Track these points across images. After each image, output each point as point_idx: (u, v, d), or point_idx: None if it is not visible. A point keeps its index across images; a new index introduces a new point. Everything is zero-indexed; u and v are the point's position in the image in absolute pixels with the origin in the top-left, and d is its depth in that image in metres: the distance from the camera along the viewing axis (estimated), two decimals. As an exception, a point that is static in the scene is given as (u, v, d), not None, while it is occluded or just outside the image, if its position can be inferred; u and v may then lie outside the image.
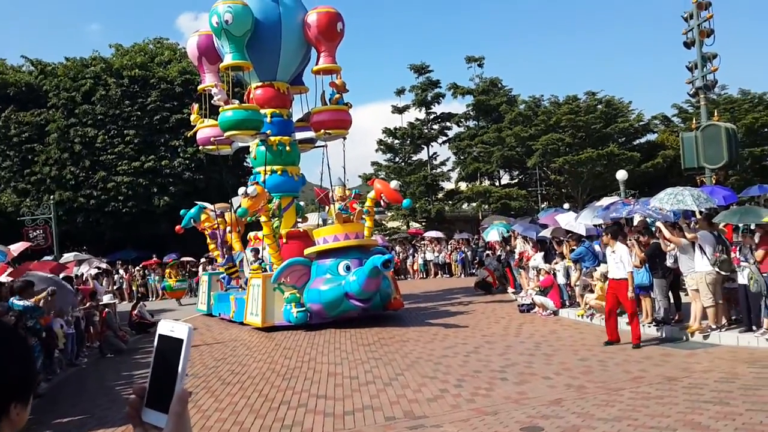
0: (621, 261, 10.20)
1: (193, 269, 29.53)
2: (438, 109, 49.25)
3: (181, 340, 1.09)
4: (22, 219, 29.17)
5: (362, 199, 17.32)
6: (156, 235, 34.50)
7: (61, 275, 13.78)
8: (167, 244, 33.72)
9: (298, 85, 19.39)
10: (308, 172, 19.25)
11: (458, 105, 69.50)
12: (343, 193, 16.22)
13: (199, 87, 19.55)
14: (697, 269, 10.20)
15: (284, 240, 16.54)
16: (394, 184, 16.42)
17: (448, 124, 49.73)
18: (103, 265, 23.40)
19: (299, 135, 18.39)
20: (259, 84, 17.78)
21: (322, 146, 18.76)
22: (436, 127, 49.42)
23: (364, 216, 16.29)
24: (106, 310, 14.43)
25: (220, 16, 15.85)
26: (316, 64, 17.60)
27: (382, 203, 16.66)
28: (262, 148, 17.22)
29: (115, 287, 26.56)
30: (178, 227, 19.93)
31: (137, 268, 29.38)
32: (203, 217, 19.40)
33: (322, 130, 17.81)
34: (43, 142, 33.90)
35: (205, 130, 18.56)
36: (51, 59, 41.55)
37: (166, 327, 1.12)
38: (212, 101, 17.01)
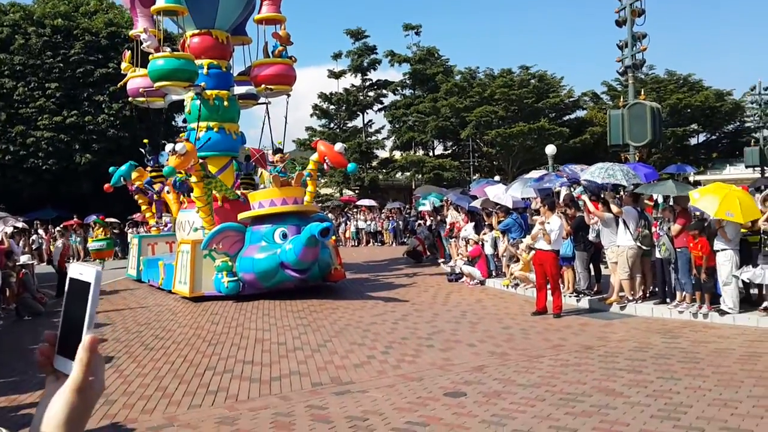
0: (551, 233, 10.45)
1: (120, 230, 28.68)
2: (374, 75, 48.96)
3: (89, 284, 1.03)
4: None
5: (302, 162, 16.70)
6: (77, 194, 33.18)
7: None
8: (89, 204, 32.47)
9: (241, 35, 18.09)
10: (246, 132, 17.84)
11: (395, 73, 69.22)
12: (282, 157, 15.43)
13: (130, 32, 18.29)
14: (620, 243, 10.61)
15: (219, 203, 15.25)
16: (338, 146, 15.23)
17: (384, 91, 49.50)
18: (20, 224, 22.31)
19: (239, 90, 17.01)
20: (196, 32, 16.38)
21: (265, 103, 17.66)
22: (371, 94, 49.11)
23: (307, 180, 15.37)
24: (23, 270, 13.83)
25: None
26: (259, 12, 16.53)
27: (325, 166, 15.36)
28: (198, 102, 15.81)
29: (33, 248, 25.48)
30: (107, 185, 18.76)
31: (57, 228, 28.18)
32: (134, 175, 18.33)
33: (263, 85, 16.29)
34: (-45, 92, 31.88)
35: (136, 80, 17.27)
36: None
37: (75, 270, 1.06)
38: (142, 48, 15.92)
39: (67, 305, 1.07)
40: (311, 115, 48.51)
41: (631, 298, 10.68)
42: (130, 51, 18.09)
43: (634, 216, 10.68)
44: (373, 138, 48.50)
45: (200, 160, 14.41)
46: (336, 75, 48.41)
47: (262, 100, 17.69)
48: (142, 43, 15.92)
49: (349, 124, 48.93)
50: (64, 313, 1.07)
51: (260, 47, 16.99)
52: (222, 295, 13.57)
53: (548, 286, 10.66)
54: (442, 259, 19.18)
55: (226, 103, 16.20)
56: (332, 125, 48.71)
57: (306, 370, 7.64)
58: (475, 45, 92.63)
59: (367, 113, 49.08)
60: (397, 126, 47.93)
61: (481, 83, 43.42)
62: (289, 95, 17.24)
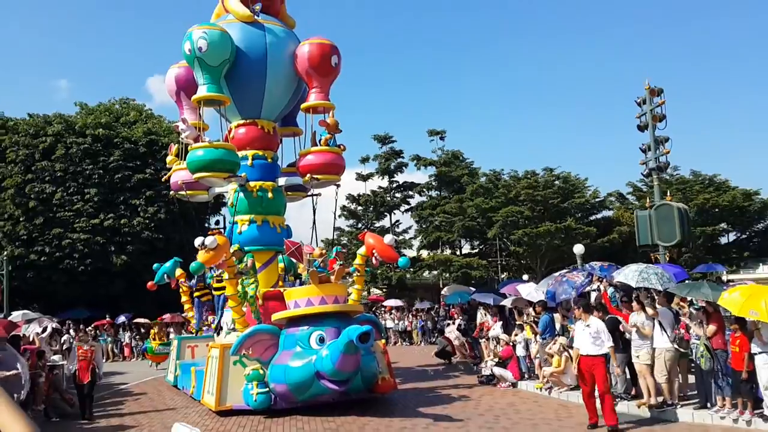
0: (598, 335, 9.62)
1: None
2: (401, 177, 50.14)
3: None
4: (-29, 275, 28.23)
5: (347, 255, 15.23)
6: (110, 294, 33.65)
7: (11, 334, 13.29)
8: (121, 304, 32.89)
9: (291, 126, 17.30)
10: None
11: (421, 175, 71.21)
12: (321, 252, 13.90)
13: (173, 124, 18.30)
14: (656, 345, 10.43)
15: (260, 301, 13.88)
16: (388, 238, 13.73)
17: (410, 192, 50.49)
18: (54, 325, 22.62)
19: (283, 181, 15.99)
20: (241, 122, 15.74)
21: (315, 195, 16.55)
22: (398, 195, 50.10)
23: (352, 275, 13.90)
24: (55, 371, 13.91)
25: (193, 43, 13.93)
26: (306, 100, 15.49)
27: (373, 261, 13.81)
28: (241, 194, 15.12)
29: (64, 347, 25.63)
30: (150, 283, 17.52)
31: (89, 328, 28.43)
32: (178, 272, 17.42)
33: (308, 175, 15.10)
34: (-1, 197, 33.22)
35: (180, 173, 16.47)
36: (15, 114, 41.21)
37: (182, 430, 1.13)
38: (180, 139, 15.23)
39: None
40: (339, 216, 49.36)
41: (670, 402, 10.37)
42: (177, 144, 17.43)
43: (670, 318, 10.57)
44: (401, 238, 48.93)
45: (241, 254, 13.49)
46: (364, 177, 49.65)
47: (314, 191, 16.71)
48: (180, 134, 15.34)
49: (377, 224, 49.58)
50: None
51: (309, 137, 16.04)
52: (251, 410, 11.72)
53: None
54: (472, 360, 18.85)
55: (270, 194, 15.41)
56: (360, 225, 49.42)
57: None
58: (499, 147, 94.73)
59: (394, 214, 49.89)
60: (423, 226, 48.45)
61: (506, 184, 44.04)
62: (338, 185, 16.33)
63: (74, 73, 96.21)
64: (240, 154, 14.99)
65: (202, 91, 14.19)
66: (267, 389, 11.68)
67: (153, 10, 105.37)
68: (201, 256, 12.37)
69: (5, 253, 29.02)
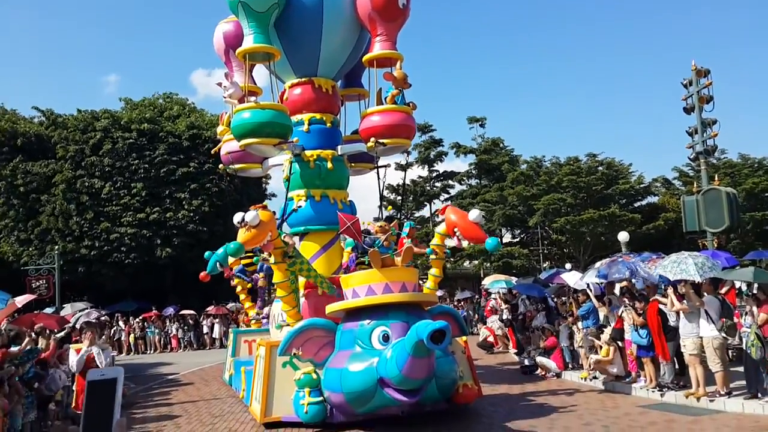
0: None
1: (196, 321, 29.39)
2: (441, 167, 49.96)
3: (114, 379, 1.15)
4: (25, 268, 29.23)
5: (420, 233, 12.89)
6: (157, 286, 34.48)
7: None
8: (167, 296, 33.72)
9: (355, 87, 15.00)
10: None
11: (460, 163, 71.03)
12: (384, 227, 11.46)
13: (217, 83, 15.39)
14: (703, 334, 10.20)
15: (319, 290, 11.97)
16: (475, 214, 11.27)
17: (450, 182, 50.30)
18: (103, 317, 23.30)
19: (344, 149, 13.76)
20: (296, 81, 13.60)
21: (384, 166, 14.47)
22: (438, 184, 49.97)
23: (429, 258, 12.03)
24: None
25: None
26: (370, 51, 13.00)
27: (455, 241, 11.67)
28: (296, 165, 13.09)
29: (114, 339, 26.43)
30: (202, 274, 14.69)
31: (137, 320, 29.23)
32: (231, 260, 14.86)
33: (373, 139, 12.69)
34: (50, 193, 34.24)
35: (230, 143, 14.40)
36: (66, 109, 42.42)
37: (95, 374, 1.18)
38: (224, 99, 13.10)
39: (89, 409, 1.17)
40: (379, 207, 49.39)
41: (723, 391, 10.14)
42: (227, 114, 15.14)
43: (717, 306, 10.31)
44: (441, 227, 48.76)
45: (287, 236, 11.75)
46: (403, 167, 49.60)
47: (382, 161, 14.46)
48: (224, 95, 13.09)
49: (417, 214, 49.54)
50: (87, 417, 1.17)
51: (374, 96, 13.46)
52: (303, 423, 9.66)
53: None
54: (515, 350, 18.74)
55: (330, 165, 13.17)
56: (400, 216, 49.39)
57: None
58: (540, 134, 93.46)
59: (434, 203, 49.77)
60: (464, 215, 48.17)
61: (548, 171, 43.49)
62: (408, 152, 14.24)
63: (122, 68, 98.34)
64: (295, 118, 13.13)
65: (248, 43, 12.08)
66: (321, 398, 9.52)
67: (198, 3, 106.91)
68: (241, 235, 10.29)
69: (57, 248, 29.93)
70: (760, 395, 9.80)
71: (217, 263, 11.70)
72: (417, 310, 9.75)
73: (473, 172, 50.02)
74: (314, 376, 9.59)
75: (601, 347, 12.67)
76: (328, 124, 13.61)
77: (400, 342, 8.42)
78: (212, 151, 16.98)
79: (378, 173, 14.62)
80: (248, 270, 16.71)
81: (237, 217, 10.46)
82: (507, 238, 49.58)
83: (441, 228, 11.94)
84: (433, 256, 11.88)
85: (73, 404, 11.73)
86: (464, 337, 11.29)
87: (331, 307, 10.16)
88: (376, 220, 12.01)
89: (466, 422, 10.04)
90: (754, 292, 11.29)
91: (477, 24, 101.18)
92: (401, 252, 10.16)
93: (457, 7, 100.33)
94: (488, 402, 11.44)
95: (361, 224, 11.49)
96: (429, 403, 9.57)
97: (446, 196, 49.95)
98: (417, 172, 49.40)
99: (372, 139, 12.67)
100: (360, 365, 8.90)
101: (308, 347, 9.61)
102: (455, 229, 11.38)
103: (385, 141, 12.63)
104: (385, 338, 9.08)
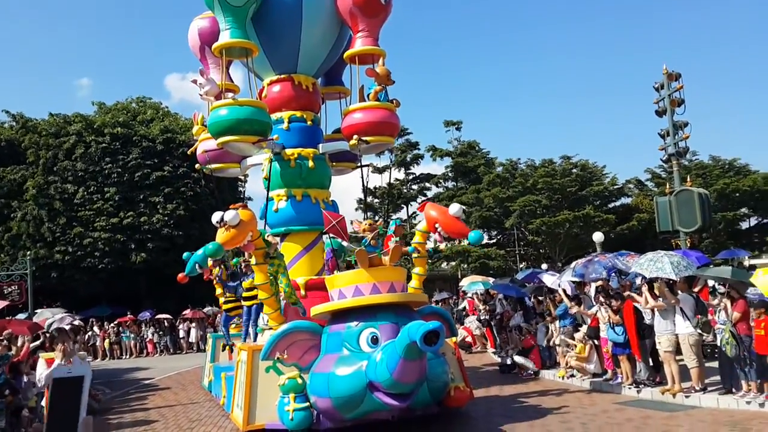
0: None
1: (172, 325, 29.07)
2: (417, 169, 50.19)
3: (81, 377, 1.14)
4: (-4, 275, 28.66)
5: (404, 231, 11.89)
6: (132, 291, 34.03)
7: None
8: (142, 301, 33.30)
9: (335, 86, 14.71)
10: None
11: (437, 166, 71.65)
12: (371, 224, 11.45)
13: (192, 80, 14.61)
14: (679, 331, 10.36)
15: (302, 292, 12.01)
16: (455, 209, 11.08)
17: (427, 184, 50.51)
18: (77, 322, 22.94)
19: (325, 148, 13.45)
20: (275, 78, 13.26)
21: (367, 165, 14.04)
22: (415, 187, 50.16)
23: (413, 256, 11.72)
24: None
25: None
26: (351, 47, 12.65)
27: (436, 237, 11.38)
28: (276, 164, 12.77)
29: (89, 344, 26.03)
30: (181, 275, 13.51)
31: (111, 325, 28.83)
32: (211, 262, 13.46)
33: (356, 137, 12.26)
34: (21, 198, 33.64)
35: (207, 143, 13.85)
36: (37, 113, 41.69)
37: (62, 371, 1.16)
38: (200, 95, 12.64)
39: (53, 407, 1.16)
40: (356, 209, 49.46)
41: (698, 387, 10.30)
42: (201, 114, 14.97)
43: (691, 303, 10.50)
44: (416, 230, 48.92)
45: (270, 236, 11.45)
46: (380, 170, 49.65)
47: (362, 158, 14.12)
48: (200, 91, 12.59)
49: (394, 217, 49.58)
50: (52, 415, 1.15)
51: (356, 94, 13.05)
52: (288, 430, 9.18)
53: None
54: (492, 349, 18.84)
55: (311, 163, 12.93)
56: (377, 218, 49.44)
57: None
58: (515, 137, 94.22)
59: (411, 205, 49.86)
60: (440, 217, 48.35)
61: (523, 173, 43.82)
62: (391, 152, 13.73)
63: (94, 72, 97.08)
64: (274, 116, 12.79)
65: (225, 38, 11.66)
66: (307, 404, 9.07)
67: (173, 7, 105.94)
68: (220, 235, 9.91)
69: (29, 253, 29.41)
70: (734, 390, 9.98)
71: (196, 264, 11.27)
72: (406, 310, 9.37)
73: (450, 174, 50.29)
74: (299, 380, 9.12)
75: (575, 345, 12.82)
76: (309, 122, 13.36)
77: (391, 344, 8.09)
78: (188, 151, 16.39)
79: (362, 171, 14.39)
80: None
81: (216, 217, 10.10)
82: (484, 239, 49.89)
83: (422, 225, 11.61)
84: (415, 255, 11.61)
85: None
86: (453, 338, 11.01)
87: (316, 309, 9.71)
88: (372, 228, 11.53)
89: (460, 425, 9.90)
90: (727, 290, 11.50)
91: (453, 27, 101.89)
92: (389, 251, 9.76)
93: (432, 10, 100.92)
94: (480, 404, 11.34)
95: (347, 222, 11.02)
96: (420, 407, 9.25)
97: (423, 198, 50.08)
98: (394, 174, 49.58)
99: (355, 136, 12.29)
100: (348, 369, 8.50)
101: (293, 351, 9.15)
102: (436, 225, 11.12)
103: (368, 138, 12.29)
104: (374, 340, 8.65)
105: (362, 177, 14.27)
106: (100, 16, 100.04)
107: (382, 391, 8.20)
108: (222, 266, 14.18)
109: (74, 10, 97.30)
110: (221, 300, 14.71)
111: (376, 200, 49.32)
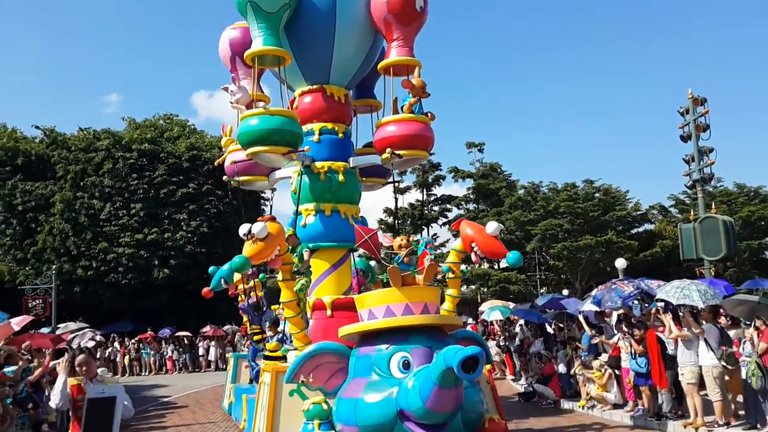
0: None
1: (192, 343, 29.18)
2: (438, 191, 50.19)
3: (113, 398, 1.18)
4: (21, 288, 29.14)
5: (437, 249, 11.84)
6: (153, 307, 34.35)
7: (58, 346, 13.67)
8: (164, 317, 33.58)
9: (368, 98, 14.31)
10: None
11: (458, 188, 72.05)
12: (405, 241, 10.93)
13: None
14: (702, 363, 10.19)
15: (329, 312, 11.56)
16: (492, 227, 10.45)
17: (448, 206, 50.46)
18: (98, 337, 23.18)
19: (356, 161, 12.94)
20: (306, 89, 12.86)
21: (397, 182, 13.63)
22: (436, 208, 50.14)
23: (447, 276, 11.04)
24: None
25: None
26: (385, 57, 12.08)
27: (473, 257, 10.73)
28: (305, 177, 12.22)
29: (109, 360, 26.25)
30: (205, 290, 11.68)
31: (132, 341, 29.07)
32: (237, 277, 12.53)
33: (388, 150, 11.63)
34: (47, 213, 34.23)
35: (235, 154, 13.49)
36: (66, 128, 42.52)
37: (95, 390, 1.20)
38: (230, 104, 12.31)
39: (88, 425, 1.20)
40: (393, 222, 49.38)
41: (721, 422, 10.10)
42: (230, 125, 14.54)
43: (716, 334, 10.32)
44: (438, 251, 48.83)
45: (296, 240, 11.09)
46: (401, 191, 49.76)
47: (394, 173, 13.62)
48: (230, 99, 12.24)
49: (414, 238, 49.45)
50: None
51: (390, 106, 12.34)
52: None
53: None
54: (512, 376, 18.67)
55: (341, 177, 12.34)
56: (411, 235, 49.45)
57: None
58: (538, 159, 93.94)
59: (431, 227, 49.86)
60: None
61: (545, 197, 43.70)
62: (425, 166, 12.79)
63: (124, 88, 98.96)
64: (305, 128, 12.35)
65: (258, 45, 11.20)
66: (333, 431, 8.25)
67: (201, 26, 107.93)
68: (247, 248, 9.47)
69: (54, 267, 29.87)
70: (759, 425, 9.77)
71: (222, 279, 10.55)
72: (440, 334, 8.46)
73: (471, 196, 50.23)
74: (324, 406, 8.30)
75: (593, 374, 12.68)
76: (340, 135, 12.83)
77: (425, 370, 7.32)
78: (216, 162, 15.99)
79: (394, 187, 13.88)
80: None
81: (243, 229, 9.73)
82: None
83: (457, 244, 10.89)
84: (450, 275, 10.93)
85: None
86: (488, 366, 10.13)
87: (344, 330, 8.87)
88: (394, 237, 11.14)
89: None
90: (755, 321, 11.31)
91: (476, 48, 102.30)
92: (423, 269, 9.05)
93: (455, 30, 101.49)
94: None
95: (379, 238, 10.35)
96: None
97: (444, 220, 50.10)
98: (415, 195, 49.64)
99: (387, 149, 11.65)
100: (377, 396, 7.69)
101: (318, 374, 8.30)
102: (472, 244, 10.42)
103: (401, 152, 11.65)
104: (406, 365, 7.80)
105: (394, 192, 13.72)
106: (128, 34, 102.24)
107: (413, 421, 7.44)
108: (250, 284, 13.97)
109: (104, 27, 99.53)
110: (248, 329, 14.24)
111: (398, 221, 49.34)
